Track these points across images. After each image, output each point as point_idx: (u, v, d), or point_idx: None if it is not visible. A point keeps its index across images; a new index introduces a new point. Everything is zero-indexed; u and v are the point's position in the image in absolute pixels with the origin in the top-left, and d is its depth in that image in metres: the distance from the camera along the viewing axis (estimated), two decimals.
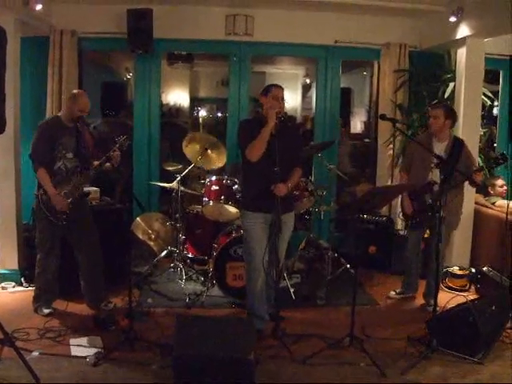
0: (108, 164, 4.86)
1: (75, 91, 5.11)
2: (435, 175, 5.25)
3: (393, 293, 5.79)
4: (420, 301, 5.63)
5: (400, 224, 7.02)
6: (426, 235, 5.76)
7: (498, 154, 5.05)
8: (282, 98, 4.65)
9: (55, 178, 4.82)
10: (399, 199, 6.05)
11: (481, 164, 6.75)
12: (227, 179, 5.66)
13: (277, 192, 4.39)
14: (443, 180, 4.81)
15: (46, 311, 5.01)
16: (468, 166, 5.20)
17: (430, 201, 5.18)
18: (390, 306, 5.58)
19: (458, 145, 5.31)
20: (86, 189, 5.20)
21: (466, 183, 5.27)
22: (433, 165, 5.22)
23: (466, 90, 6.30)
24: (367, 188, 7.15)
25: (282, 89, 4.72)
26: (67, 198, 4.82)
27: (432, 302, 5.37)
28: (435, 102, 6.73)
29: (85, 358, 4.14)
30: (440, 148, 5.26)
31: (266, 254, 4.54)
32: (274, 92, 4.63)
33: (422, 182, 5.30)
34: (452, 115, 5.32)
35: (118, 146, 4.90)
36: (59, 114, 5.02)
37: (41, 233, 5.00)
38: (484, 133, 6.93)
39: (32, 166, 4.86)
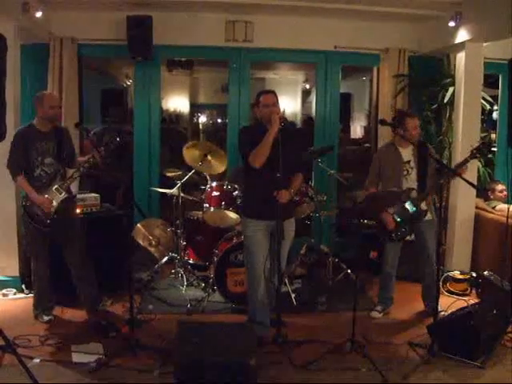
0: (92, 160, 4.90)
1: (38, 93, 5.05)
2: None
3: (376, 313, 5.48)
4: (419, 305, 5.60)
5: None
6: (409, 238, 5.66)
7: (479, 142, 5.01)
8: (274, 104, 4.60)
9: (36, 185, 4.81)
10: None
11: (481, 168, 6.77)
12: (228, 185, 5.67)
13: (280, 198, 4.40)
14: (422, 183, 4.96)
15: (46, 318, 5.02)
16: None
17: (414, 208, 5.06)
18: (391, 310, 5.56)
19: (423, 148, 5.23)
20: (75, 192, 5.22)
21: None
22: (405, 172, 5.19)
23: (466, 94, 6.30)
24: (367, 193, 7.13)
25: (271, 92, 4.69)
26: (52, 200, 4.82)
27: (433, 303, 5.38)
28: (435, 105, 6.77)
29: (86, 364, 4.15)
30: (407, 154, 5.21)
31: (267, 260, 4.55)
32: (263, 100, 4.62)
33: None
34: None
35: (104, 144, 4.94)
36: (33, 122, 4.95)
37: (27, 239, 5.07)
38: (483, 137, 6.92)
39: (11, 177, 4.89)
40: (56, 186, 4.88)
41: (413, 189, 5.12)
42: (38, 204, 4.78)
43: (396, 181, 5.21)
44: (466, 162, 5.04)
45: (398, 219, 5.10)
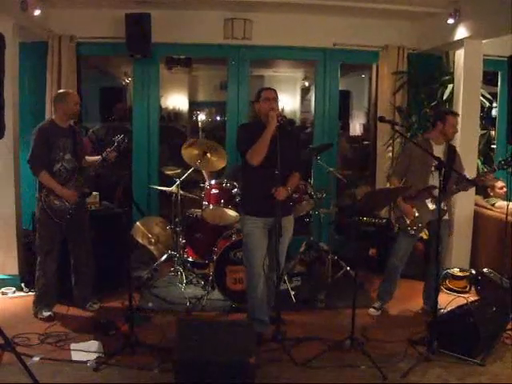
0: (110, 157, 5.08)
1: (61, 91, 5.25)
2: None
3: (374, 310, 5.48)
4: (419, 302, 5.61)
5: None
6: (425, 237, 5.69)
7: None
8: (275, 99, 4.62)
9: (57, 180, 4.91)
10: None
11: (480, 166, 6.76)
12: (227, 183, 5.66)
13: (277, 196, 4.40)
14: (445, 183, 4.82)
15: (46, 314, 5.03)
16: (461, 170, 5.21)
17: (434, 206, 5.10)
18: (390, 308, 5.56)
19: (451, 148, 5.30)
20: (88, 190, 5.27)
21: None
22: (433, 168, 5.14)
23: (465, 91, 6.30)
24: (367, 190, 7.14)
25: (273, 90, 4.71)
26: (76, 192, 4.97)
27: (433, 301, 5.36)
28: (434, 103, 6.76)
29: (85, 362, 4.15)
30: (438, 151, 5.18)
31: (266, 258, 4.55)
32: (264, 94, 4.63)
33: (423, 187, 5.17)
34: None
35: (116, 145, 5.06)
36: (53, 118, 5.09)
37: (41, 235, 5.06)
38: (482, 135, 6.92)
39: (32, 172, 4.94)
40: (74, 182, 5.00)
41: (435, 187, 5.09)
42: (63, 196, 4.89)
43: (423, 176, 5.21)
44: (491, 171, 5.14)
45: (417, 214, 5.15)
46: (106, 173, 5.19)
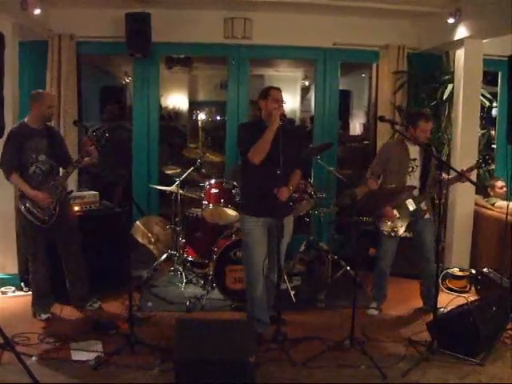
0: (87, 158, 4.96)
1: (37, 91, 5.08)
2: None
3: (373, 310, 5.46)
4: (418, 302, 5.59)
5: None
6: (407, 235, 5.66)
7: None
8: (282, 100, 4.63)
9: (32, 183, 4.84)
10: None
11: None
12: (226, 182, 5.67)
13: (280, 196, 4.39)
14: (423, 183, 5.03)
15: (44, 316, 5.02)
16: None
17: (414, 206, 5.14)
18: (390, 308, 5.55)
19: (427, 147, 5.23)
20: (71, 188, 5.22)
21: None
22: (410, 169, 5.19)
23: (465, 91, 6.29)
24: (366, 190, 7.12)
25: (280, 91, 4.73)
26: (48, 195, 4.85)
27: (433, 301, 5.36)
28: (434, 102, 6.75)
29: (85, 362, 4.14)
30: (414, 151, 5.21)
31: (265, 257, 4.55)
32: (273, 94, 4.63)
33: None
34: None
35: (94, 139, 4.93)
36: (25, 120, 4.97)
37: (23, 238, 5.07)
38: (483, 134, 6.92)
39: (4, 175, 4.91)
40: (52, 183, 4.91)
41: (414, 187, 5.16)
42: (35, 199, 4.80)
43: (401, 176, 5.21)
44: (471, 169, 5.17)
45: (398, 215, 5.15)
46: (87, 163, 5.12)
